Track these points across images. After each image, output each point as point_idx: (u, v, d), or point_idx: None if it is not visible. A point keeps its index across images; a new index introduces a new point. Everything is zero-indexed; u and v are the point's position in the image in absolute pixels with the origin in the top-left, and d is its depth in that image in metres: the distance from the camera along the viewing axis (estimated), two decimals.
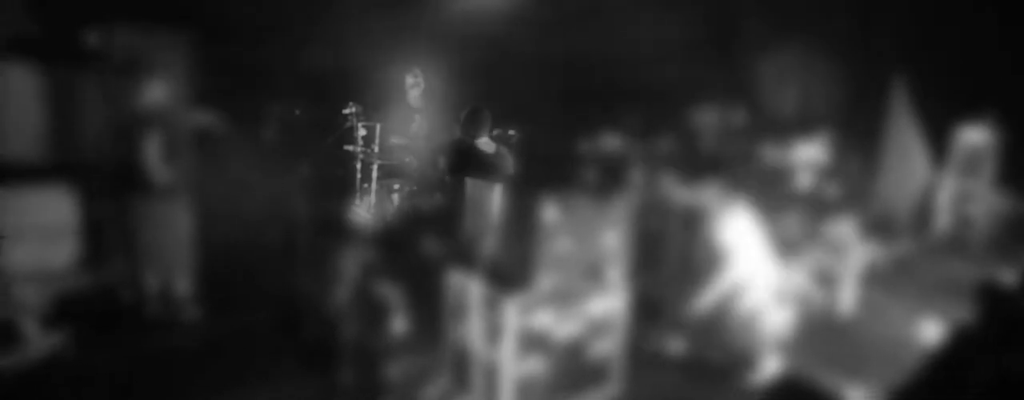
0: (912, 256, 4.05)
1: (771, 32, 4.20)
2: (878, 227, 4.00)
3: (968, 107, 3.92)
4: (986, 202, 4.03)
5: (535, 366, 3.31)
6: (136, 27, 4.00)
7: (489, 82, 4.90)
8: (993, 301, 3.62)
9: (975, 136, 4.00)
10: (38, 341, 3.72)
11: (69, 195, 3.97)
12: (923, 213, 4.11)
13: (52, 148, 4.04)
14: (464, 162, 4.24)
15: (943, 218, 4.07)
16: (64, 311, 3.85)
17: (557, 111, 4.79)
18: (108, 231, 4.05)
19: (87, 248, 4.00)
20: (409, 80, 5.15)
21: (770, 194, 4.06)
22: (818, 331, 3.97)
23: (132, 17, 4.00)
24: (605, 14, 4.67)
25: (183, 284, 4.14)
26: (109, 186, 4.01)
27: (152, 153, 3.98)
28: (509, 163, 4.29)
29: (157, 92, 4.01)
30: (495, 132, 4.81)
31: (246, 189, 4.49)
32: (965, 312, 3.64)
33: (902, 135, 4.16)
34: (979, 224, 4.02)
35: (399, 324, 3.55)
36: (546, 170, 4.41)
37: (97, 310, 3.98)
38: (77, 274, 3.99)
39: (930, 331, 3.81)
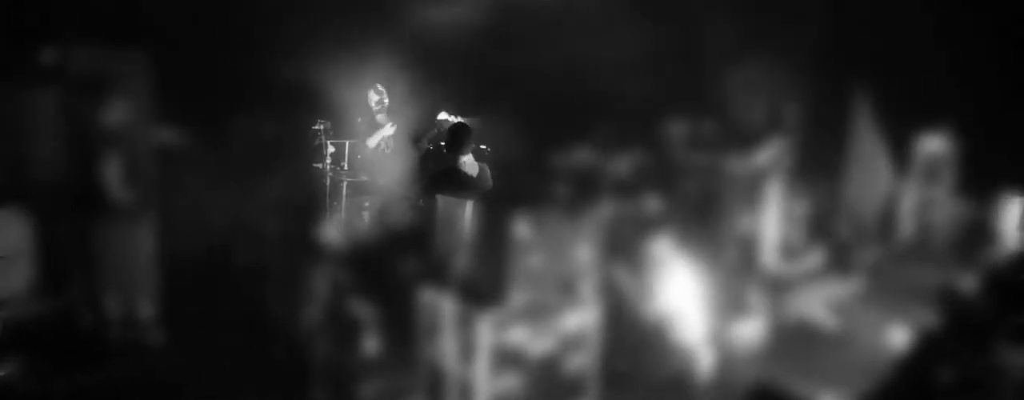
0: (879, 263, 4.15)
1: (738, 43, 4.29)
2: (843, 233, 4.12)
3: (927, 116, 4.06)
4: (946, 209, 4.16)
5: (509, 383, 3.30)
6: (95, 44, 3.93)
7: (458, 96, 4.89)
8: (955, 306, 3.71)
9: (934, 144, 4.13)
10: None
11: (22, 218, 3.85)
12: (887, 220, 4.23)
13: (4, 169, 3.92)
14: (445, 181, 4.16)
15: (906, 225, 4.19)
16: (17, 339, 3.71)
17: (527, 125, 4.81)
18: (66, 254, 3.94)
19: (42, 273, 3.90)
20: (373, 96, 5.13)
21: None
22: (788, 340, 4.03)
23: (91, 34, 3.91)
24: (572, 26, 4.72)
25: (146, 307, 4.05)
26: (67, 208, 3.92)
27: (112, 173, 3.92)
28: (489, 181, 4.24)
29: (117, 110, 3.95)
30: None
31: (211, 208, 4.39)
32: (931, 317, 3.72)
33: (865, 144, 4.27)
34: (940, 231, 4.14)
35: (371, 343, 3.52)
36: (517, 185, 4.40)
37: (54, 336, 3.87)
38: (31, 300, 3.87)
39: (897, 337, 3.88)
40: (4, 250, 3.74)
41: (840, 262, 4.07)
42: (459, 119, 4.40)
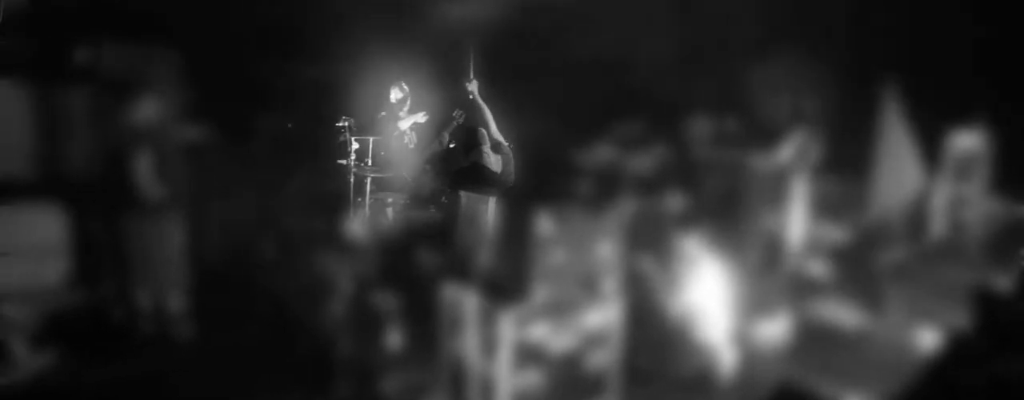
0: (908, 262, 4.07)
1: (763, 37, 4.22)
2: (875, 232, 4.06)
3: (960, 112, 3.96)
4: (980, 207, 4.06)
5: (531, 380, 3.30)
6: (126, 43, 4.01)
7: (484, 93, 4.89)
8: (988, 307, 3.62)
9: (968, 141, 4.03)
10: (27, 361, 3.67)
11: (59, 213, 3.94)
12: (918, 218, 4.14)
13: (41, 166, 4.02)
14: (468, 177, 4.19)
15: (938, 223, 4.10)
16: (54, 330, 3.81)
17: (551, 121, 4.80)
18: (99, 249, 4.02)
19: (77, 266, 3.98)
20: (397, 93, 5.15)
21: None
22: (815, 339, 3.97)
23: (122, 33, 3.98)
24: (596, 23, 4.69)
25: (176, 301, 4.10)
26: (100, 203, 3.99)
27: (143, 169, 3.96)
28: (512, 176, 4.24)
29: (148, 108, 4.00)
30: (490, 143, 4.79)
31: (239, 204, 4.45)
32: (961, 319, 3.64)
33: (895, 140, 4.19)
34: (973, 229, 4.05)
35: (394, 338, 3.54)
36: (540, 181, 4.39)
37: (88, 329, 3.94)
38: (67, 292, 3.95)
39: (927, 338, 3.80)
40: (45, 243, 3.83)
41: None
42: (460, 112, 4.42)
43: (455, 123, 4.61)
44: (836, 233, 4.14)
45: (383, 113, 5.18)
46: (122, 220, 4.00)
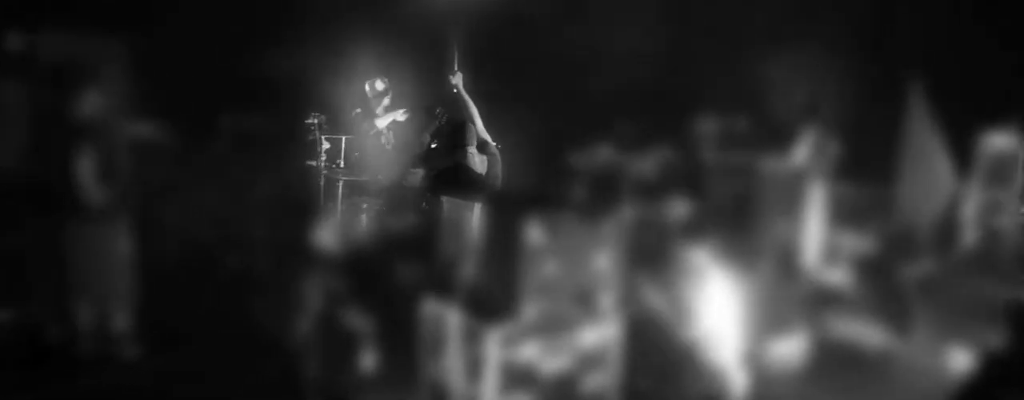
0: (938, 275, 3.91)
1: (777, 27, 4.10)
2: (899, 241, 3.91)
3: (994, 109, 3.83)
4: (1016, 214, 3.94)
5: None
6: (68, 30, 3.89)
7: (470, 88, 4.72)
8: None
9: (1002, 142, 3.89)
10: None
11: None
12: (947, 227, 4.00)
13: None
14: (451, 180, 4.11)
15: (970, 232, 3.95)
16: None
17: (544, 118, 4.65)
18: (33, 259, 3.89)
19: (7, 279, 3.83)
20: (379, 86, 4.95)
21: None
22: (835, 360, 3.86)
23: (63, 19, 3.88)
24: (593, 14, 4.56)
25: (121, 318, 3.97)
26: (34, 208, 3.87)
27: (86, 170, 3.85)
28: (499, 179, 4.10)
29: (92, 102, 3.87)
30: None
31: (194, 209, 4.37)
32: (996, 337, 3.56)
33: (922, 141, 4.07)
34: (1009, 238, 3.90)
35: (368, 359, 3.41)
36: (531, 186, 4.34)
37: (19, 350, 3.79)
38: None
39: (958, 359, 3.70)
40: None
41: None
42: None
43: (437, 122, 4.42)
44: (857, 243, 4.06)
45: (358, 110, 5.08)
46: (61, 226, 3.87)
